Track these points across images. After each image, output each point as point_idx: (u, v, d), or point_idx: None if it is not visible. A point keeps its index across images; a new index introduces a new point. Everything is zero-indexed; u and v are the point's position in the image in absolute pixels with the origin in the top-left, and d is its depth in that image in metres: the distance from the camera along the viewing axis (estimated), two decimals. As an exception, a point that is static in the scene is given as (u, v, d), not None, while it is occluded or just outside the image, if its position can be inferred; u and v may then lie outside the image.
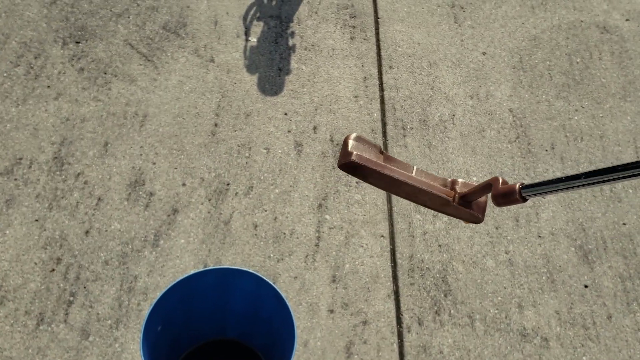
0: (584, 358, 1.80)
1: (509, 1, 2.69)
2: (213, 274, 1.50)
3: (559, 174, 2.17)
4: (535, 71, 2.47)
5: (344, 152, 0.95)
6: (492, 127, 2.29)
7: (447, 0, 2.66)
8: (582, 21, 2.65)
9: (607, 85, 2.45)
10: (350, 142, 0.96)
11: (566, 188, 0.74)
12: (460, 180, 0.97)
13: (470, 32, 2.57)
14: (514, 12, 2.65)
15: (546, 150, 2.24)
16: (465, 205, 0.93)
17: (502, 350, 1.78)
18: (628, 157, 2.24)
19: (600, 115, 2.36)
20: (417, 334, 1.81)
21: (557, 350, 1.80)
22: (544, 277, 1.94)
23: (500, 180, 0.86)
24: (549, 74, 2.46)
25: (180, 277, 1.46)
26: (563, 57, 2.52)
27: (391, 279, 1.92)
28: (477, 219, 0.95)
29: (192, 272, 1.44)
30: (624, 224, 2.07)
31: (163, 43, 2.41)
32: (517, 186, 0.80)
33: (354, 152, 0.93)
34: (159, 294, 1.48)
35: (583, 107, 2.37)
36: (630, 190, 2.16)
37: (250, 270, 1.48)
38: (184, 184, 2.07)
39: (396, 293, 1.90)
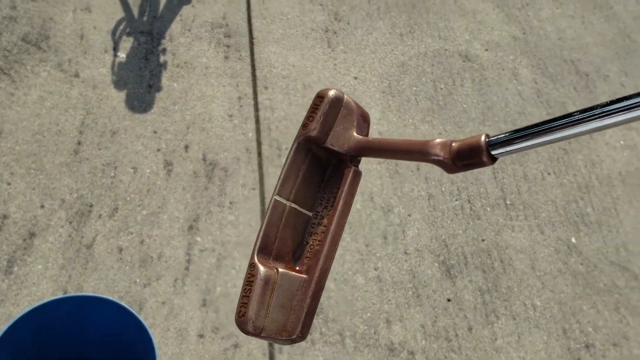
0: (447, 369, 1.88)
1: (379, 28, 2.81)
2: (70, 301, 1.40)
3: (423, 194, 2.28)
4: (402, 96, 2.59)
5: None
6: (363, 148, 2.36)
7: (320, 25, 2.73)
8: (446, 49, 2.82)
9: (468, 111, 2.62)
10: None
11: (540, 139, 0.57)
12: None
13: (342, 57, 2.65)
14: (383, 39, 2.77)
15: (412, 171, 2.34)
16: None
17: (371, 366, 1.82)
18: (486, 178, 2.40)
19: (462, 138, 2.51)
20: (288, 354, 1.80)
21: (423, 363, 1.87)
22: (410, 292, 2.01)
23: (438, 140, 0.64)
24: (415, 99, 2.59)
25: (31, 307, 1.35)
26: (428, 83, 2.67)
27: (264, 300, 1.90)
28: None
29: (46, 300, 1.34)
30: (483, 240, 2.21)
31: (22, 56, 2.26)
32: (483, 139, 0.59)
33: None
34: (4, 326, 1.35)
35: (446, 131, 2.52)
36: (489, 209, 2.31)
37: (110, 298, 1.40)
38: (42, 206, 1.93)
39: (268, 314, 1.88)
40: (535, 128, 0.56)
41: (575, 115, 0.54)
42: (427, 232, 2.17)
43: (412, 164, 2.36)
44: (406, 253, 2.10)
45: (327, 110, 0.69)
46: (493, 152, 0.59)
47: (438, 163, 0.63)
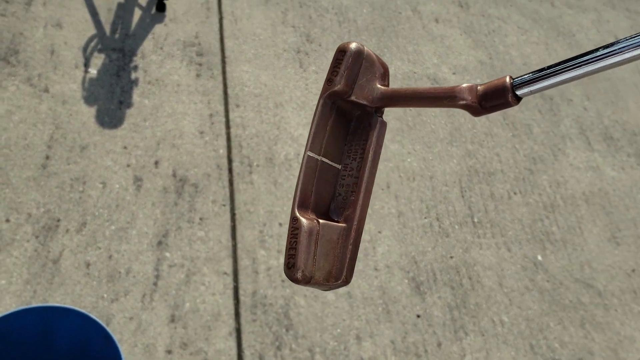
0: (417, 385, 1.88)
1: (350, 50, 2.86)
2: (34, 312, 1.37)
3: (394, 211, 2.31)
4: (373, 116, 2.63)
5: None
6: (334, 167, 2.38)
7: (292, 46, 2.77)
8: (415, 72, 2.89)
9: (436, 131, 2.67)
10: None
11: (564, 76, 0.59)
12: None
13: (314, 77, 2.68)
14: (354, 60, 2.82)
15: (382, 189, 2.37)
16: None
17: (340, 381, 1.81)
18: (454, 196, 2.44)
19: (430, 158, 2.56)
20: (257, 370, 1.78)
21: (392, 379, 1.87)
22: (380, 309, 2.02)
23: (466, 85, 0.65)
24: (385, 119, 2.63)
25: (-8, 319, 1.32)
26: (398, 104, 2.71)
27: (233, 316, 1.89)
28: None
29: (9, 311, 1.31)
30: (451, 257, 2.23)
31: (-10, 69, 2.23)
32: (508, 80, 0.62)
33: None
34: (-35, 338, 1.32)
35: (415, 150, 2.56)
36: (457, 227, 2.34)
37: (76, 308, 1.37)
38: (7, 220, 1.90)
39: (238, 330, 1.86)
40: (557, 67, 0.59)
41: (598, 51, 0.56)
42: (397, 249, 2.19)
43: (383, 182, 2.39)
44: (376, 269, 2.11)
45: (350, 63, 0.71)
46: (518, 92, 0.61)
47: (466, 107, 0.64)
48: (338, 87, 0.68)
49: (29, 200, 1.95)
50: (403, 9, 3.21)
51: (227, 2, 2.84)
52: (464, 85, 0.65)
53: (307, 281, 0.62)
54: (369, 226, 2.23)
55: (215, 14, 2.76)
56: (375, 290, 2.06)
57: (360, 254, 2.14)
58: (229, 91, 2.47)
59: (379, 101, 0.69)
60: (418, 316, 2.04)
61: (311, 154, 0.70)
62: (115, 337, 1.76)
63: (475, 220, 2.38)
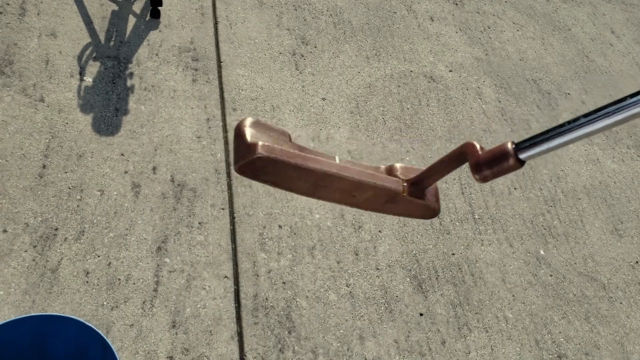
0: (422, 383, 1.87)
1: (346, 52, 2.86)
2: (29, 322, 1.36)
3: (394, 210, 2.29)
4: (370, 116, 2.62)
5: (243, 146, 0.65)
6: (333, 168, 2.37)
7: (288, 49, 2.77)
8: (411, 71, 2.88)
9: (435, 129, 2.66)
10: (248, 131, 0.67)
11: (567, 137, 0.59)
12: (397, 165, 0.74)
13: (310, 79, 2.68)
14: (350, 61, 2.82)
15: (382, 188, 2.35)
16: (418, 194, 0.71)
17: (344, 382, 1.80)
18: (454, 194, 2.42)
19: (429, 156, 2.55)
20: (260, 374, 1.77)
21: (397, 378, 1.85)
22: (382, 308, 2.00)
23: (478, 145, 0.66)
24: (383, 118, 2.63)
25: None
26: (395, 104, 2.71)
27: (235, 320, 1.88)
28: (434, 211, 0.72)
29: (4, 321, 1.30)
30: (453, 254, 2.22)
31: (-15, 81, 2.23)
32: (510, 146, 0.62)
33: (259, 143, 0.65)
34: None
35: (414, 149, 2.55)
36: (457, 224, 2.33)
37: (72, 316, 1.36)
38: (5, 231, 1.89)
39: (240, 334, 1.85)
40: (559, 129, 0.60)
41: (605, 108, 0.57)
42: (397, 248, 2.18)
43: (382, 182, 2.38)
44: (378, 269, 2.10)
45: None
46: (521, 156, 0.62)
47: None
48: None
49: (26, 210, 1.95)
50: (398, 8, 3.21)
51: (222, 7, 2.83)
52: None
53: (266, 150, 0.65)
54: (369, 226, 2.21)
55: (210, 19, 2.75)
56: (377, 290, 2.04)
57: (361, 254, 2.13)
58: (226, 95, 2.47)
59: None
60: (421, 314, 2.02)
61: None
62: (116, 344, 1.75)
63: (476, 216, 2.36)
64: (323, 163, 0.68)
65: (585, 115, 0.58)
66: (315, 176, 0.67)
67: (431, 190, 0.73)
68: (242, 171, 0.69)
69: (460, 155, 0.68)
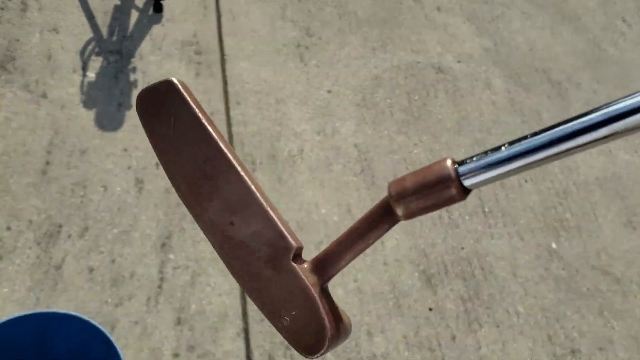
0: (431, 380, 1.83)
1: (352, 43, 2.81)
2: (31, 319, 1.34)
3: (402, 204, 2.25)
4: (377, 108, 2.58)
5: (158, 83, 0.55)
6: (339, 162, 2.34)
7: (292, 41, 2.73)
8: (418, 62, 2.83)
9: (443, 121, 2.61)
10: (175, 81, 0.56)
11: (517, 164, 0.43)
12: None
13: (315, 71, 2.64)
14: (356, 53, 2.78)
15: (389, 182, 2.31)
16: (317, 278, 0.51)
17: (352, 379, 1.77)
18: (464, 187, 2.38)
19: (438, 148, 2.51)
20: (267, 371, 1.74)
21: (406, 375, 1.82)
22: (390, 303, 1.96)
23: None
24: (390, 111, 2.58)
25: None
26: (402, 95, 2.66)
27: (241, 316, 1.85)
28: (322, 326, 0.49)
29: (6, 318, 1.28)
30: (462, 248, 2.18)
31: (-13, 77, 2.21)
32: (449, 165, 0.45)
33: (176, 80, 0.54)
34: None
35: (422, 142, 2.51)
36: (467, 217, 2.28)
37: (75, 313, 1.34)
38: (8, 228, 1.87)
39: (246, 331, 1.82)
40: (512, 148, 0.43)
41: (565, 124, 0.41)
42: (406, 242, 2.14)
43: (389, 175, 2.34)
44: (386, 264, 2.06)
45: None
46: (466, 183, 0.45)
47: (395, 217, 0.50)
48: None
49: (30, 207, 1.93)
50: (404, -1, 3.16)
51: (225, 0, 2.80)
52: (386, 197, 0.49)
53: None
54: (376, 220, 2.17)
55: (213, 12, 2.72)
56: (385, 285, 2.01)
57: (369, 249, 2.08)
58: (229, 89, 2.43)
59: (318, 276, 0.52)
60: (430, 309, 1.99)
61: None
62: (121, 342, 1.72)
63: (486, 210, 2.32)
64: (230, 148, 0.52)
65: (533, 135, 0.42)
66: (209, 150, 0.51)
67: (330, 301, 0.50)
68: (141, 98, 0.56)
69: (384, 207, 0.47)
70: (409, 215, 0.47)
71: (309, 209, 2.14)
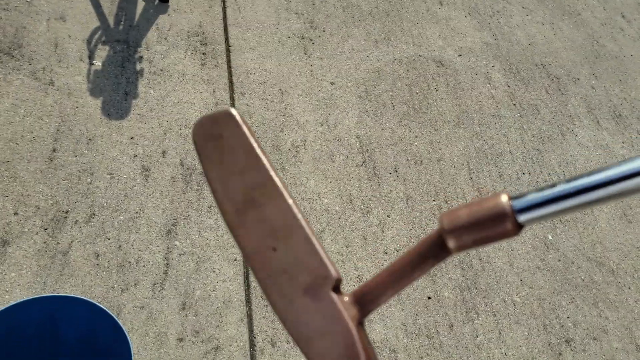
0: (430, 366, 1.88)
1: (355, 35, 2.84)
2: (41, 303, 1.37)
3: (402, 195, 2.29)
4: (379, 101, 2.61)
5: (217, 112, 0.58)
6: (341, 152, 2.38)
7: (296, 32, 2.75)
8: (420, 56, 2.87)
9: (443, 114, 2.65)
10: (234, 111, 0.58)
11: (578, 203, 0.43)
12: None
13: (319, 63, 2.67)
14: (359, 45, 2.81)
15: (390, 173, 2.35)
16: (357, 311, 0.51)
17: (353, 365, 1.81)
18: (463, 178, 2.42)
19: (438, 140, 2.54)
20: (270, 355, 1.78)
21: (405, 361, 1.86)
22: (390, 291, 2.01)
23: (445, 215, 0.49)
24: (392, 103, 2.62)
25: None
26: (404, 88, 2.70)
27: (244, 302, 1.89)
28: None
29: (15, 302, 1.31)
30: (461, 239, 2.22)
31: (-5, 64, 2.24)
32: (505, 201, 0.45)
33: (235, 111, 0.56)
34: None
35: (422, 134, 2.54)
36: (466, 208, 2.32)
37: (84, 298, 1.38)
38: (16, 213, 1.90)
39: (249, 316, 1.87)
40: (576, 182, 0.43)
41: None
42: (405, 232, 2.18)
43: (390, 167, 2.38)
44: (386, 253, 2.10)
45: None
46: (521, 218, 0.45)
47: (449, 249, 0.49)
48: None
49: (37, 193, 1.96)
50: (406, -8, 3.19)
51: (229, -9, 2.82)
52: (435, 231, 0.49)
53: None
54: (377, 210, 2.22)
55: (219, 3, 2.74)
56: (386, 274, 2.05)
57: (369, 238, 2.13)
58: (234, 79, 2.46)
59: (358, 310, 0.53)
60: (429, 298, 2.03)
61: None
62: (127, 326, 1.77)
63: (485, 201, 2.36)
64: (279, 177, 0.55)
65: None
66: (260, 177, 0.55)
67: (366, 338, 0.50)
68: (200, 124, 0.58)
69: (436, 240, 0.49)
70: (460, 248, 0.47)
71: (312, 199, 2.18)
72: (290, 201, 0.53)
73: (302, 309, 0.50)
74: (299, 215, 0.52)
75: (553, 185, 0.44)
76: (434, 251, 0.49)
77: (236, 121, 0.55)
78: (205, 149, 0.56)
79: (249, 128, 0.56)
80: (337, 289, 0.50)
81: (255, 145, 0.55)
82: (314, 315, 0.49)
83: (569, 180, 0.43)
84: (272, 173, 0.54)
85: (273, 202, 0.53)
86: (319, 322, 0.49)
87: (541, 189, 0.44)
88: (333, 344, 0.48)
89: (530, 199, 0.44)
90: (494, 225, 0.44)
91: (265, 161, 0.54)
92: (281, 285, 0.51)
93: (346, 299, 0.50)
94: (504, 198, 0.44)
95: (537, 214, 0.44)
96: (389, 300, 0.52)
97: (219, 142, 0.56)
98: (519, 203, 0.44)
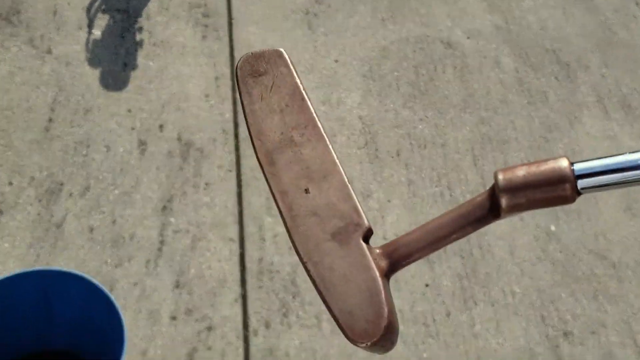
0: (425, 354, 1.85)
1: (361, 12, 2.77)
2: (33, 277, 1.34)
3: (403, 179, 2.25)
4: (384, 81, 2.56)
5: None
6: (343, 133, 2.33)
7: (301, 7, 2.69)
8: (428, 36, 2.80)
9: (449, 97, 2.59)
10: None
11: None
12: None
13: (323, 39, 2.60)
14: (365, 22, 2.74)
15: (392, 157, 2.31)
16: (388, 265, 0.49)
17: (347, 349, 1.79)
18: (467, 165, 2.38)
19: (443, 125, 2.49)
20: (264, 337, 1.76)
21: (400, 347, 1.84)
22: (388, 277, 1.98)
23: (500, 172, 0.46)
24: (397, 84, 2.56)
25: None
26: (410, 69, 2.64)
27: (239, 283, 1.86)
28: (380, 314, 0.45)
29: (7, 275, 1.28)
30: (462, 226, 2.19)
31: (-9, 29, 2.18)
32: (566, 165, 0.44)
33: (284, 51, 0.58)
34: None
35: (427, 117, 2.49)
36: (468, 195, 2.28)
37: (79, 273, 1.35)
38: (10, 183, 1.87)
39: (244, 297, 1.84)
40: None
41: None
42: (406, 218, 2.14)
43: (393, 150, 2.33)
44: (385, 238, 2.07)
45: None
46: (580, 185, 0.45)
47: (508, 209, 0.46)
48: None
49: (32, 164, 1.92)
50: (417, -30, 3.11)
51: (235, -38, 2.75)
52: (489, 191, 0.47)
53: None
54: (377, 194, 2.18)
55: (223, -26, 2.67)
56: (384, 259, 2.02)
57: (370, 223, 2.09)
58: (236, 53, 2.41)
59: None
60: (427, 285, 2.00)
61: None
62: (119, 302, 1.74)
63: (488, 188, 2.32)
64: (320, 122, 0.54)
65: None
66: (303, 118, 0.54)
67: (390, 294, 0.47)
68: (246, 59, 0.58)
69: (489, 198, 0.46)
70: (512, 209, 0.45)
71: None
72: (330, 146, 0.52)
73: (329, 253, 0.48)
74: (338, 162, 0.51)
75: (617, 155, 0.44)
76: (482, 211, 0.47)
77: (285, 60, 0.57)
78: (247, 83, 0.56)
79: (296, 71, 0.57)
80: (366, 239, 0.49)
81: (301, 87, 0.56)
82: (341, 261, 0.47)
83: (633, 152, 0.44)
84: (315, 116, 0.54)
85: (312, 145, 0.52)
86: (345, 268, 0.47)
87: (606, 157, 0.45)
88: (357, 291, 0.46)
89: (592, 165, 0.44)
90: (552, 187, 0.43)
91: (309, 104, 0.54)
92: (309, 227, 0.49)
93: (377, 251, 0.49)
94: (565, 162, 0.44)
95: (598, 181, 0.44)
96: (421, 258, 0.50)
97: (263, 78, 0.56)
98: (581, 168, 0.44)
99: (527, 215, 2.28)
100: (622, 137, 2.71)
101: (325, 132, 0.55)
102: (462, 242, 2.14)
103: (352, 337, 0.45)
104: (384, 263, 0.49)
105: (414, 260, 0.50)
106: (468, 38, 2.87)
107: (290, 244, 0.50)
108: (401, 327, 1.88)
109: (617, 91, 2.92)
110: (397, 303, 1.93)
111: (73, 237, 1.81)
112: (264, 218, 2.00)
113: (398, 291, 1.96)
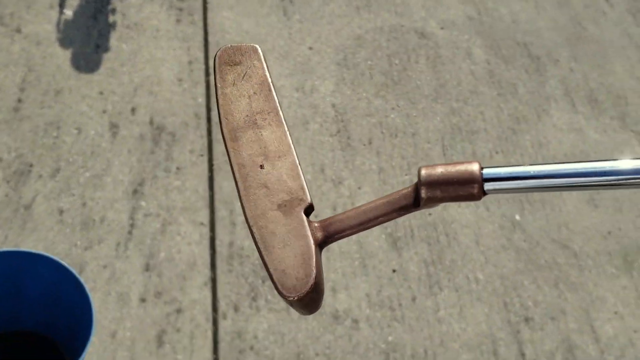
0: (390, 337, 1.90)
1: (336, 0, 2.79)
2: (1, 257, 1.35)
3: (374, 167, 2.29)
4: (357, 69, 2.58)
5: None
6: (316, 120, 2.35)
7: (277, -6, 2.69)
8: (402, 25, 2.83)
9: (421, 87, 2.63)
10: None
11: (542, 186, 0.52)
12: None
13: (298, 26, 2.61)
14: (340, 10, 2.75)
15: (364, 145, 2.34)
16: (322, 234, 0.56)
17: (315, 333, 1.82)
18: (436, 154, 2.42)
19: (414, 114, 2.53)
20: (232, 320, 1.78)
21: (366, 331, 1.88)
22: (356, 262, 2.02)
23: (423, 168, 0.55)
24: (370, 73, 2.59)
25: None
26: (384, 58, 2.67)
27: (209, 266, 1.88)
28: (307, 278, 0.52)
29: (-26, 255, 1.28)
30: (430, 214, 2.23)
31: (-41, 6, 2.14)
32: (477, 169, 0.52)
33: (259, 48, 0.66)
34: None
35: (399, 106, 2.53)
36: (437, 184, 2.33)
37: (48, 255, 1.35)
38: (-23, 164, 1.85)
39: (213, 280, 1.86)
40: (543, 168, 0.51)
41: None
42: (376, 205, 2.18)
43: (365, 138, 2.36)
44: (354, 224, 2.10)
45: None
46: (487, 187, 0.52)
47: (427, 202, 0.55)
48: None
49: (0, 144, 1.90)
50: (393, -41, 3.12)
51: (211, -55, 2.73)
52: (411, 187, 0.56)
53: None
54: (348, 182, 2.21)
55: (198, -43, 2.65)
56: (353, 245, 2.06)
57: (339, 209, 2.13)
58: (210, 38, 2.40)
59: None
60: (394, 271, 2.05)
61: None
62: (89, 285, 1.74)
63: (456, 178, 2.37)
64: (282, 110, 0.64)
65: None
66: (267, 105, 0.62)
67: (320, 262, 0.54)
68: (225, 50, 0.67)
69: (413, 190, 0.54)
70: (429, 200, 0.53)
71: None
72: (287, 133, 0.60)
73: (273, 220, 0.55)
74: (292, 146, 0.59)
75: (522, 165, 0.52)
76: (406, 200, 0.55)
77: (259, 55, 0.64)
78: (223, 70, 0.64)
79: (268, 66, 0.65)
80: (308, 213, 0.56)
81: (270, 80, 0.64)
82: (282, 228, 0.55)
83: (533, 164, 0.51)
84: (278, 106, 0.62)
85: (272, 129, 0.60)
86: (285, 234, 0.54)
87: (512, 165, 0.52)
88: (292, 254, 0.53)
89: (498, 172, 0.52)
90: (463, 186, 0.52)
91: (275, 95, 0.63)
92: (259, 197, 0.57)
93: (316, 224, 0.56)
94: (476, 166, 0.51)
95: (501, 185, 0.51)
96: (351, 235, 0.58)
97: (237, 68, 0.64)
98: (488, 173, 0.52)
99: (493, 204, 2.34)
100: (587, 131, 2.78)
101: (285, 121, 0.63)
102: (429, 229, 2.19)
103: (282, 291, 0.52)
104: (319, 234, 0.56)
105: (345, 236, 0.57)
106: (442, 29, 2.90)
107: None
108: (367, 311, 1.93)
109: (584, 85, 2.99)
110: (365, 287, 1.97)
111: (42, 219, 1.81)
112: (235, 203, 2.02)
113: (366, 275, 2.00)
